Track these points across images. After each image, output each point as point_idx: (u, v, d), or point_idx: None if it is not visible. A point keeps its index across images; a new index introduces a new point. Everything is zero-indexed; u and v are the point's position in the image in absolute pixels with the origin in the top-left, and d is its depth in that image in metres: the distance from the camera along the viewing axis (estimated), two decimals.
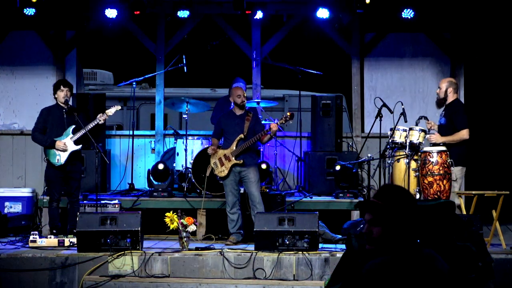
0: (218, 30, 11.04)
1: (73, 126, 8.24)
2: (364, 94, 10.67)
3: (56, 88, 8.37)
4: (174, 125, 11.59)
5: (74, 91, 9.50)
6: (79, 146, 8.27)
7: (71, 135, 8.24)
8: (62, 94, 8.27)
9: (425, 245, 3.11)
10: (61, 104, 8.29)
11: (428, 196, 8.06)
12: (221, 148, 8.40)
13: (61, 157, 8.20)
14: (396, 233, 2.94)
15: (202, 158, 9.01)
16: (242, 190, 8.48)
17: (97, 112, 9.96)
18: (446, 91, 8.35)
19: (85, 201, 8.75)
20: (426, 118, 8.55)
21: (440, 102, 8.47)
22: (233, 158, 8.22)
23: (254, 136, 8.23)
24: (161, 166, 9.44)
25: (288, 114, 8.21)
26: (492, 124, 11.66)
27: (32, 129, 8.42)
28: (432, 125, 8.53)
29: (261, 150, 9.86)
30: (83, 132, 8.17)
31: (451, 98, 8.38)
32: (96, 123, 8.22)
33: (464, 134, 8.19)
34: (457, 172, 8.19)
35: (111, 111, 8.44)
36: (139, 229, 7.64)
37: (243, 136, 8.26)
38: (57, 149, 8.17)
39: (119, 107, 8.56)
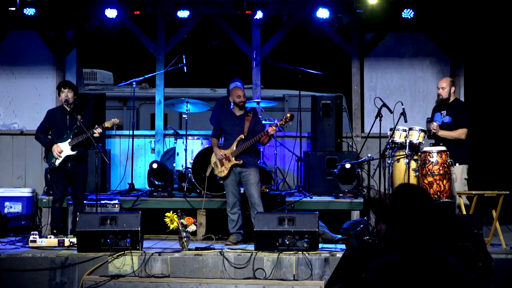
0: (218, 30, 11.03)
1: (75, 130, 8.21)
2: (364, 94, 10.66)
3: (58, 89, 8.43)
4: (174, 125, 11.58)
5: None
6: (75, 152, 8.19)
7: (70, 139, 8.23)
8: (63, 95, 8.26)
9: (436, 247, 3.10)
10: (64, 105, 8.30)
11: None
12: (221, 148, 8.40)
13: (56, 160, 8.21)
14: (401, 232, 2.92)
15: (202, 158, 9.01)
16: (242, 190, 8.48)
17: (98, 112, 10.02)
18: (449, 90, 8.51)
19: (85, 201, 8.75)
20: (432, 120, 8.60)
21: (443, 102, 8.55)
22: (233, 159, 8.22)
23: (254, 136, 8.23)
24: (155, 165, 9.39)
25: (288, 115, 8.22)
26: (492, 124, 11.65)
27: (36, 129, 8.46)
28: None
29: (261, 150, 9.85)
30: (83, 137, 8.17)
31: (453, 97, 8.60)
32: (90, 134, 8.14)
33: (463, 133, 8.35)
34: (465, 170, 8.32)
35: (108, 123, 8.36)
36: (139, 229, 7.64)
37: (243, 137, 8.26)
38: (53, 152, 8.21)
39: (118, 120, 8.47)
